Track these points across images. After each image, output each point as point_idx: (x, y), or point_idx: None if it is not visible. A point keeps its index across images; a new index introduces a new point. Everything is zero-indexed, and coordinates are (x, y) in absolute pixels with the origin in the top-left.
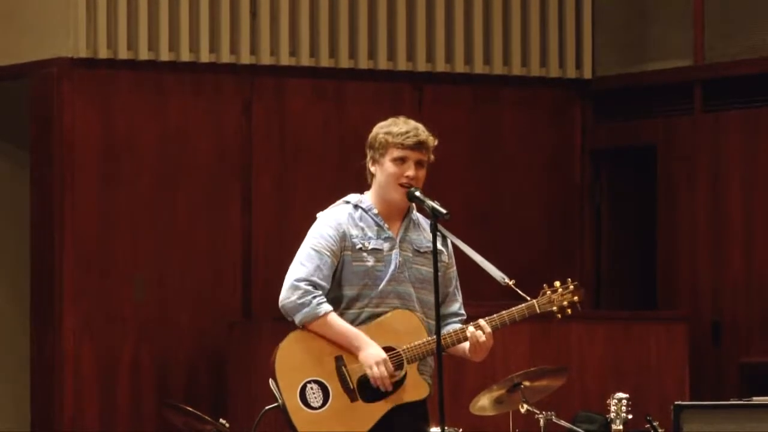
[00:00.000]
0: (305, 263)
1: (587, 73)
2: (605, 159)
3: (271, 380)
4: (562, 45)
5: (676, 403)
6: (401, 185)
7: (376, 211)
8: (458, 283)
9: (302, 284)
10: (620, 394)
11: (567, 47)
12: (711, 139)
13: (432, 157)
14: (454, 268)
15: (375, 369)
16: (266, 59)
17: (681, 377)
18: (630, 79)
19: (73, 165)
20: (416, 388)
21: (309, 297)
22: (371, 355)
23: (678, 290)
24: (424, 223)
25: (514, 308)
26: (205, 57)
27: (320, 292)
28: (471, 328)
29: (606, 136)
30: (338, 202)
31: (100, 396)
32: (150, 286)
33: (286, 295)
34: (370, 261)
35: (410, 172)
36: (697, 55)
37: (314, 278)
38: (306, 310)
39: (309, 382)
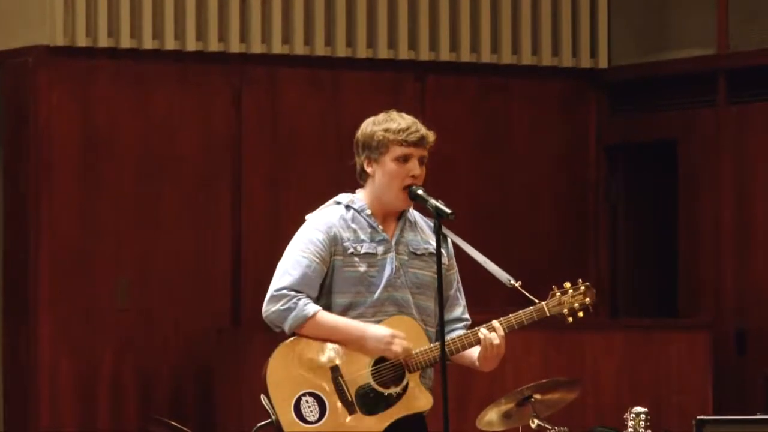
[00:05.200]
0: (291, 271)
1: (602, 63)
2: (621, 155)
3: (262, 395)
4: (575, 32)
5: (698, 417)
6: (405, 188)
7: (369, 211)
8: (460, 286)
9: (285, 291)
10: (638, 408)
11: (581, 35)
12: (735, 133)
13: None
14: (455, 269)
15: (394, 348)
16: (257, 47)
17: (703, 389)
18: (648, 69)
19: (50, 161)
20: (419, 400)
21: (293, 300)
22: (378, 338)
23: (700, 296)
24: (422, 222)
25: (522, 311)
26: (191, 45)
27: (305, 294)
28: (484, 330)
29: (622, 130)
30: (328, 202)
31: (78, 409)
32: (132, 291)
33: (269, 306)
34: (363, 266)
35: (416, 171)
36: (721, 42)
37: (299, 287)
38: (293, 314)
39: (304, 394)
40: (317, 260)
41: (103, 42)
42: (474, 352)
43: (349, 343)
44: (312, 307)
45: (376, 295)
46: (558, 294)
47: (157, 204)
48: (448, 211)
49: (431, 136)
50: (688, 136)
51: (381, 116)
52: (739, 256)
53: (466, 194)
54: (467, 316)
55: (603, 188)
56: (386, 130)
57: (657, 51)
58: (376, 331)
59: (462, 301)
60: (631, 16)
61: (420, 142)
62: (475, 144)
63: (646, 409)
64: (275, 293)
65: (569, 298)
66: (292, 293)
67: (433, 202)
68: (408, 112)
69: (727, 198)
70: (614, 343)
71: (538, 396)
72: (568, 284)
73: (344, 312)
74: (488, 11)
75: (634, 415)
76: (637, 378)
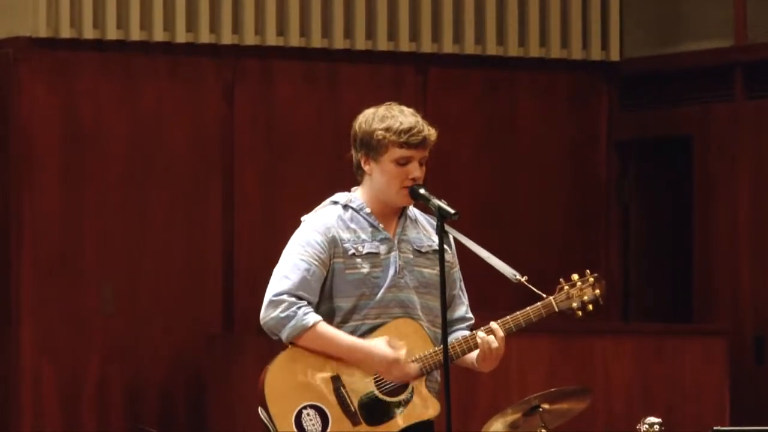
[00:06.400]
0: (289, 275)
1: (614, 55)
2: (634, 152)
3: (260, 409)
4: (585, 23)
5: (714, 428)
6: (404, 187)
7: (368, 210)
8: (463, 284)
9: (284, 297)
10: (651, 419)
11: (591, 25)
12: (754, 129)
13: None
14: (458, 267)
15: (395, 373)
16: (251, 39)
17: (720, 399)
18: (662, 62)
19: (32, 158)
20: (426, 406)
21: (293, 308)
22: (380, 362)
23: (716, 300)
24: (423, 219)
25: (529, 308)
26: (181, 36)
27: (305, 303)
28: (482, 333)
29: (634, 125)
30: (324, 202)
31: (62, 421)
32: (119, 296)
33: (267, 312)
34: (366, 267)
35: (417, 173)
36: (738, 34)
37: (300, 292)
38: (292, 323)
39: (305, 407)
40: (316, 263)
41: (88, 33)
42: (474, 353)
43: (348, 358)
44: (312, 317)
45: (379, 296)
46: (566, 287)
47: (145, 203)
48: (452, 211)
49: (434, 135)
50: (703, 133)
51: (381, 111)
52: (758, 259)
53: (470, 193)
54: (470, 315)
55: (614, 187)
56: (387, 130)
57: (671, 43)
58: (379, 350)
59: (465, 300)
60: (644, 5)
61: (422, 144)
62: (479, 140)
63: (659, 420)
64: (274, 298)
65: (578, 290)
66: (293, 299)
67: (436, 201)
68: (409, 108)
69: (745, 197)
70: (626, 350)
71: (546, 406)
72: (575, 276)
73: (348, 316)
74: (494, 1)
75: (647, 426)
76: (650, 386)
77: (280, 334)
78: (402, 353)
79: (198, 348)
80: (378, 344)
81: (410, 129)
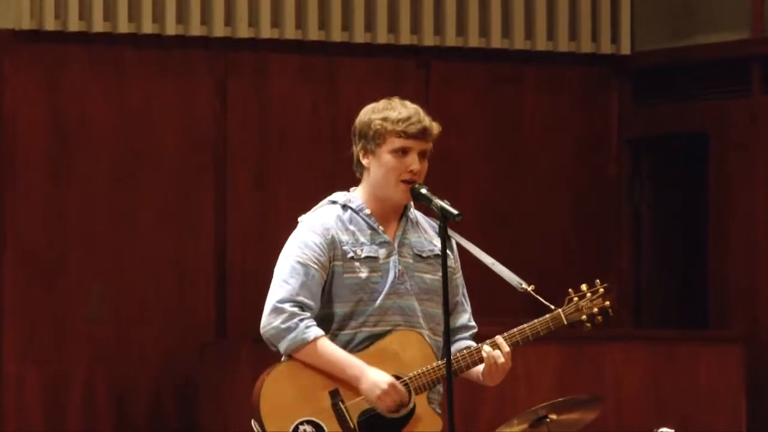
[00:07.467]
0: (288, 280)
1: (625, 48)
2: (646, 149)
3: (253, 422)
4: (595, 15)
5: None
6: (403, 181)
7: (368, 211)
8: (465, 291)
9: (287, 306)
10: (665, 429)
11: (601, 17)
12: None
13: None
14: (461, 273)
15: (385, 400)
16: (244, 31)
17: (736, 407)
18: (676, 55)
19: (16, 155)
20: (427, 422)
21: (295, 320)
22: (374, 385)
23: (732, 305)
24: (424, 222)
25: (536, 320)
26: (171, 29)
27: (308, 314)
28: (487, 348)
29: (647, 122)
30: (323, 202)
31: (47, 428)
32: (107, 300)
33: (268, 321)
34: (364, 272)
35: (415, 166)
36: (755, 26)
37: (300, 297)
38: (292, 336)
39: (301, 422)
40: (316, 266)
41: (74, 25)
42: (479, 367)
43: (345, 379)
44: (313, 332)
45: (378, 302)
46: (575, 299)
47: (134, 203)
48: (455, 212)
49: (435, 128)
50: (719, 129)
51: (381, 103)
52: None
53: (474, 193)
54: (473, 323)
55: (625, 186)
56: (384, 119)
57: (685, 35)
58: (372, 377)
59: (468, 307)
60: None
61: (421, 134)
62: (483, 138)
63: (672, 430)
64: (277, 305)
65: (588, 302)
66: (295, 310)
67: (438, 202)
68: (413, 103)
69: (763, 197)
70: (638, 357)
71: (554, 416)
72: (585, 287)
73: (345, 322)
74: None
75: None
76: (663, 395)
77: (278, 345)
78: (401, 389)
79: (189, 354)
80: (375, 370)
81: (408, 118)
